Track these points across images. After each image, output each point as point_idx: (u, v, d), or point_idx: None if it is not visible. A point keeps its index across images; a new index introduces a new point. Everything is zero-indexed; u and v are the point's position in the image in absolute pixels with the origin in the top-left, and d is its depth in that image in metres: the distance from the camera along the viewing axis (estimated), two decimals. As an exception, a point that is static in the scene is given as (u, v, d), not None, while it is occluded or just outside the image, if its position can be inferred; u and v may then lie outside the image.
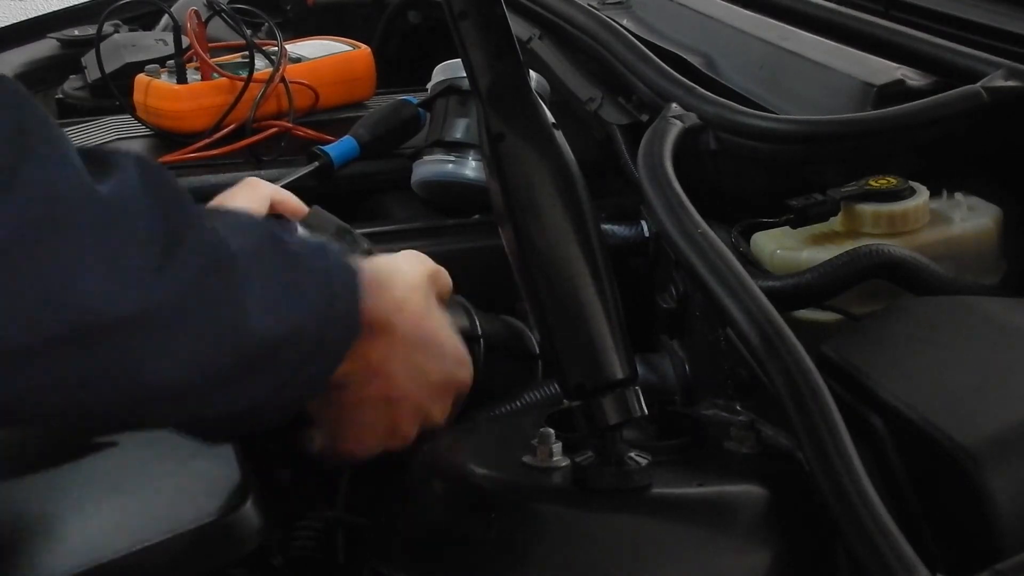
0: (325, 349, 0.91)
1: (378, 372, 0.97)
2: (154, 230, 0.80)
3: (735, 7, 1.56)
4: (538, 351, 1.21)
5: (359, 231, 1.41)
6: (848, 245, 1.10)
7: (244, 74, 1.60)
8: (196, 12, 1.65)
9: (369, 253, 1.13)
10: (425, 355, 1.00)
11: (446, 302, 1.07)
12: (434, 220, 1.46)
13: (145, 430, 0.94)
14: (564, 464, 0.92)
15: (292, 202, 1.17)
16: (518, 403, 1.12)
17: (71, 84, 1.90)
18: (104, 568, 0.93)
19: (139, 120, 1.67)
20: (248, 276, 0.85)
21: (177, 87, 1.63)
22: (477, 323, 1.16)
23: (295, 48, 1.74)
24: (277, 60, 1.63)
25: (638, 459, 0.90)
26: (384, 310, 0.96)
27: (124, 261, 0.78)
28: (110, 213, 0.78)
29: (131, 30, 2.04)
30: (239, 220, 0.89)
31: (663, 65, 1.34)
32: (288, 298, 0.87)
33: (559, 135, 0.93)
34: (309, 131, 1.62)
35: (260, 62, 1.61)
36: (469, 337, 1.12)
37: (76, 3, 2.15)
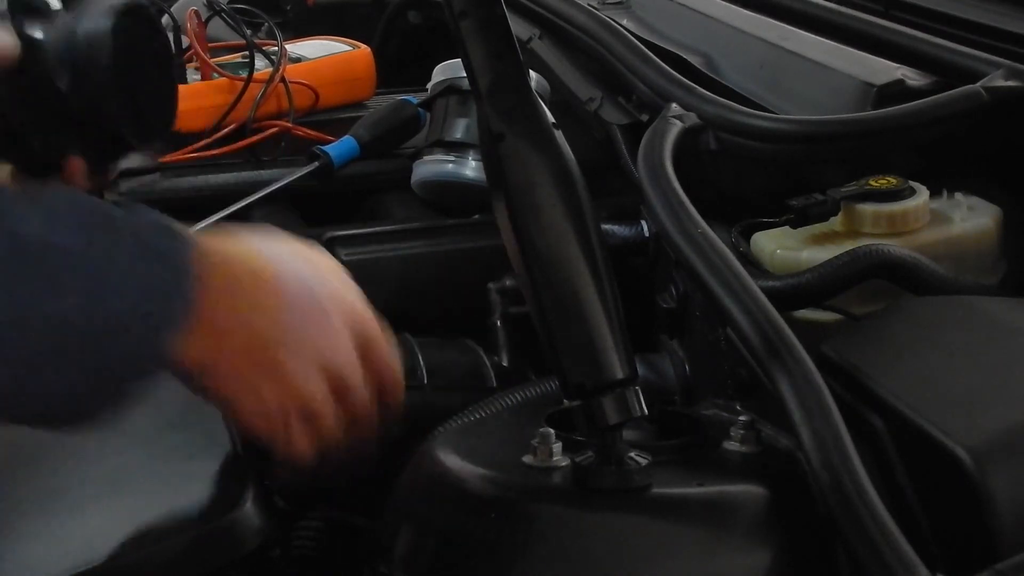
0: (152, 332, 0.84)
1: (232, 335, 0.89)
2: None
3: (735, 7, 1.56)
4: (495, 383, 1.22)
5: (359, 231, 1.42)
6: (848, 245, 1.10)
7: (244, 74, 1.60)
8: (196, 12, 1.65)
9: None
10: (281, 309, 0.91)
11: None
12: (434, 220, 1.47)
13: None
14: (564, 464, 0.92)
15: None
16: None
17: (71, 84, 1.90)
18: (104, 569, 0.93)
19: (139, 120, 1.67)
20: (61, 265, 0.82)
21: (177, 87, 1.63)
22: (422, 366, 1.17)
23: (295, 48, 1.74)
24: (277, 60, 1.63)
25: (638, 459, 0.90)
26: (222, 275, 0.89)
27: None
28: None
29: (131, 30, 2.04)
30: (68, 204, 0.85)
31: (663, 65, 1.34)
32: (111, 282, 0.83)
33: (559, 135, 0.93)
34: (309, 131, 1.62)
35: (260, 62, 1.61)
36: (412, 387, 1.10)
37: (76, 3, 2.14)
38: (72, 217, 0.84)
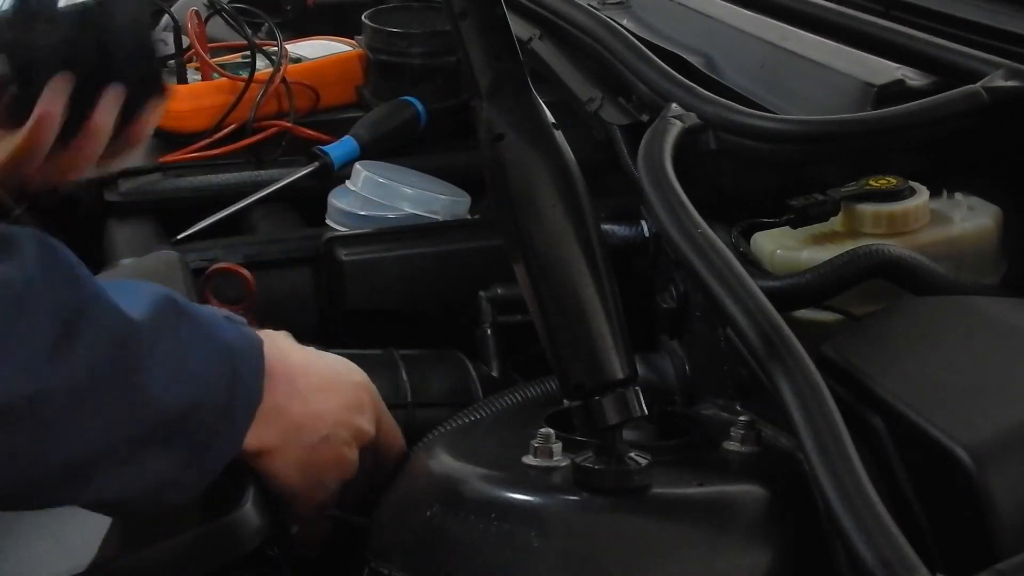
0: (232, 412, 0.93)
1: (290, 420, 0.98)
2: (50, 314, 0.81)
3: (735, 7, 1.55)
4: (481, 395, 1.22)
5: (359, 232, 1.42)
6: (848, 245, 1.10)
7: (244, 74, 1.61)
8: (196, 12, 1.65)
9: None
10: (323, 387, 1.02)
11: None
12: (434, 220, 1.46)
13: (49, 508, 0.91)
14: (564, 464, 0.92)
15: None
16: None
17: (71, 84, 1.90)
18: (104, 569, 0.93)
19: (139, 120, 1.67)
20: (151, 347, 0.87)
21: (177, 87, 1.63)
22: (406, 384, 1.18)
23: (295, 48, 1.75)
24: (277, 60, 1.63)
25: (638, 459, 0.90)
26: (279, 363, 0.98)
27: (15, 348, 0.79)
28: (3, 299, 0.80)
29: (131, 30, 2.04)
30: (140, 290, 0.90)
31: (663, 65, 1.34)
32: (190, 369, 0.89)
33: (559, 135, 0.93)
34: (309, 131, 1.62)
35: (260, 62, 1.61)
36: (396, 405, 1.14)
37: (76, 3, 2.14)
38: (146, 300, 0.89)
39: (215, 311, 0.96)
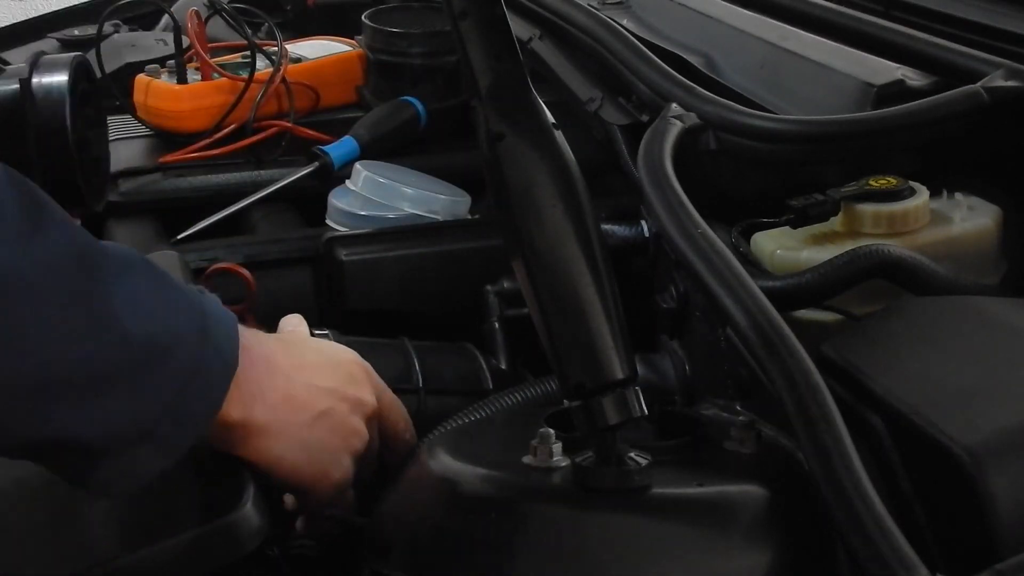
0: (206, 367, 0.89)
1: (276, 395, 0.96)
2: (16, 204, 0.80)
3: (735, 7, 1.55)
4: (491, 386, 1.23)
5: (359, 232, 1.42)
6: (848, 245, 1.10)
7: (244, 74, 1.61)
8: (196, 12, 1.65)
9: None
10: (309, 366, 1.00)
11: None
12: (434, 220, 1.46)
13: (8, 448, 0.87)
14: (564, 464, 0.92)
15: None
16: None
17: (71, 84, 1.90)
18: (104, 569, 0.93)
19: (139, 120, 1.67)
20: (116, 275, 0.84)
21: (177, 87, 1.63)
22: (417, 370, 1.19)
23: (295, 48, 1.75)
24: (277, 60, 1.63)
25: (638, 459, 0.90)
26: (256, 342, 0.96)
27: None
28: None
29: (131, 30, 2.04)
30: (111, 245, 0.88)
31: (663, 65, 1.34)
32: (161, 309, 0.86)
33: (559, 135, 0.93)
34: (309, 131, 1.62)
35: (260, 62, 1.62)
36: (406, 390, 1.14)
37: (76, 3, 2.14)
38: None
39: (190, 285, 0.94)
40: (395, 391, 1.08)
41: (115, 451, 0.86)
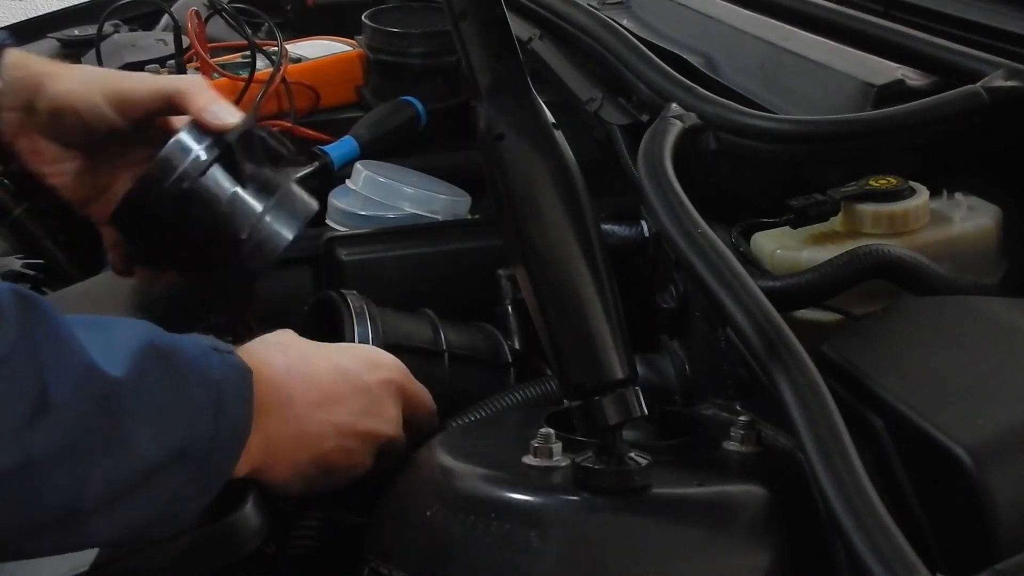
0: (220, 445, 0.92)
1: (284, 443, 0.99)
2: (29, 383, 0.81)
3: (735, 7, 1.55)
4: (511, 359, 1.25)
5: (359, 232, 1.42)
6: (848, 245, 1.10)
7: (244, 74, 1.60)
8: (196, 12, 1.65)
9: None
10: (326, 400, 1.02)
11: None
12: (434, 220, 1.46)
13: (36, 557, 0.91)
14: (564, 464, 0.92)
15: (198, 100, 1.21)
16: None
17: (71, 84, 1.90)
18: (105, 570, 0.93)
19: (139, 120, 1.67)
20: (132, 404, 0.86)
21: (177, 87, 1.63)
22: (442, 336, 1.22)
23: (295, 48, 1.74)
24: (277, 60, 1.63)
25: (638, 459, 0.90)
26: (273, 388, 0.98)
27: None
28: None
29: (131, 30, 2.04)
30: (121, 339, 0.89)
31: (663, 65, 1.34)
32: (174, 417, 0.89)
33: (559, 135, 0.93)
34: (309, 131, 1.62)
35: (260, 62, 1.61)
36: (433, 352, 1.19)
37: (76, 3, 2.14)
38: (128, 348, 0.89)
39: (201, 341, 0.94)
40: (423, 352, 1.14)
41: (134, 537, 0.92)
